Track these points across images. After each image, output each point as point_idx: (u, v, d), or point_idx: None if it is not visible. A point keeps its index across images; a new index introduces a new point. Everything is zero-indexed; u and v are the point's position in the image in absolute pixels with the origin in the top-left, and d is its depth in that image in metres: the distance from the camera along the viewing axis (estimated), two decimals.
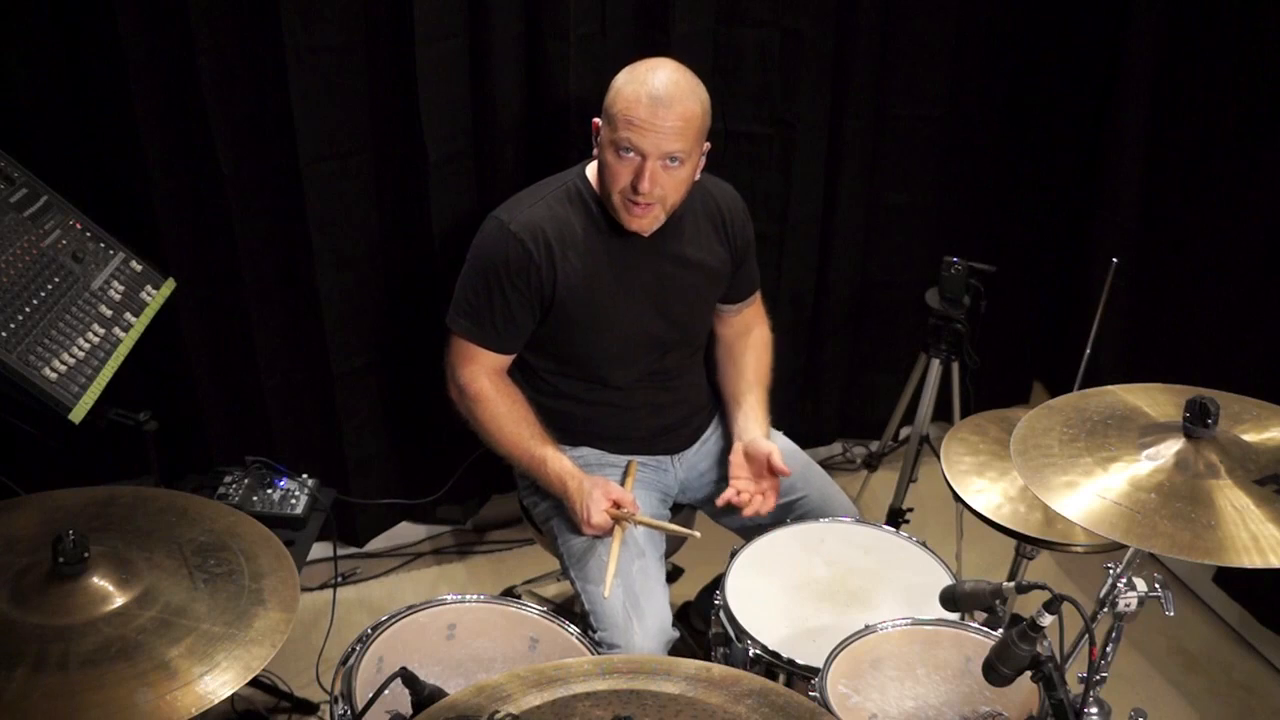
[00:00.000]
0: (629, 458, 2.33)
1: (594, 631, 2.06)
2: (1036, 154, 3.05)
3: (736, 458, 2.27)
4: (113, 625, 1.41)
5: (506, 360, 2.23)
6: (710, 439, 2.42)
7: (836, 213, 2.98)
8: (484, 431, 2.22)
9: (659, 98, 2.02)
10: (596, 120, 2.12)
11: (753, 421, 2.31)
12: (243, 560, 1.57)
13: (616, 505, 2.13)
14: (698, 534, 2.16)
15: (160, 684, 1.35)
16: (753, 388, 2.37)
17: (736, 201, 2.33)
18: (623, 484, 2.24)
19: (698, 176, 2.17)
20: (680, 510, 2.42)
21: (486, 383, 2.20)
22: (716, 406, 2.45)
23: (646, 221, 2.12)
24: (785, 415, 2.50)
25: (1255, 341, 2.65)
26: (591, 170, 2.19)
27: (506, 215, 2.16)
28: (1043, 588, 1.58)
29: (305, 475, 2.22)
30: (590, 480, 2.16)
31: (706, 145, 2.15)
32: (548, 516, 2.28)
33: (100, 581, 1.45)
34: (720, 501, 2.24)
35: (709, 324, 2.40)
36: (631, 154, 2.04)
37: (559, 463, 2.18)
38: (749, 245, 2.35)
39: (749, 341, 2.44)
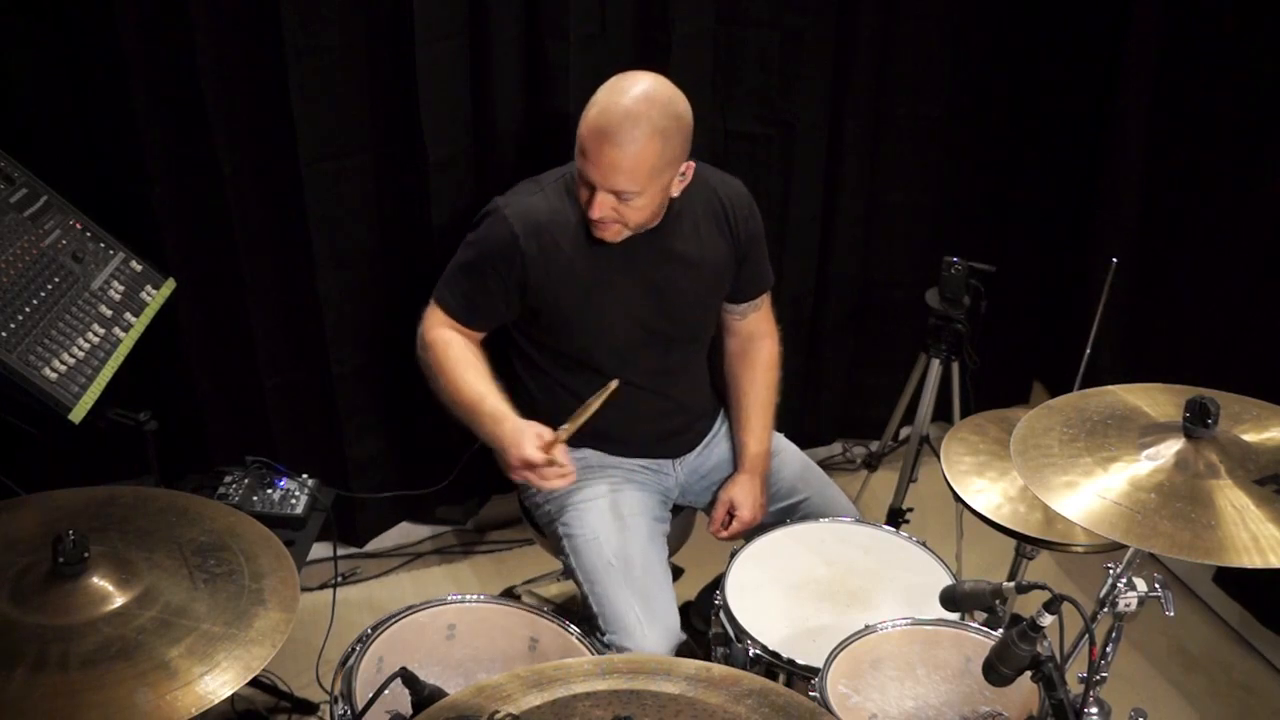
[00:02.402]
0: (626, 455, 2.32)
1: (602, 634, 2.06)
2: (1036, 154, 3.05)
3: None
4: (113, 625, 1.41)
5: (474, 336, 2.24)
6: (711, 443, 2.42)
7: (836, 213, 2.98)
8: (433, 377, 2.20)
9: (608, 133, 1.98)
10: None
11: (748, 458, 2.35)
12: (243, 560, 1.57)
13: (548, 448, 2.07)
14: (614, 383, 2.05)
15: (160, 684, 1.35)
16: (754, 425, 2.37)
17: (741, 196, 2.30)
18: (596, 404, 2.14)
19: (676, 193, 2.13)
20: (680, 511, 2.42)
21: (446, 331, 2.20)
22: (718, 412, 2.45)
23: (609, 234, 2.12)
24: (785, 415, 2.50)
25: (1255, 341, 2.65)
26: None
27: (504, 200, 2.19)
28: (1043, 588, 1.58)
29: (305, 475, 2.22)
30: (525, 423, 2.11)
31: (688, 165, 2.11)
32: (550, 519, 2.28)
33: (100, 581, 1.45)
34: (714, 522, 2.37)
35: (712, 321, 2.39)
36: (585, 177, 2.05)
37: (496, 402, 2.14)
38: (754, 239, 2.31)
39: (757, 363, 2.41)
